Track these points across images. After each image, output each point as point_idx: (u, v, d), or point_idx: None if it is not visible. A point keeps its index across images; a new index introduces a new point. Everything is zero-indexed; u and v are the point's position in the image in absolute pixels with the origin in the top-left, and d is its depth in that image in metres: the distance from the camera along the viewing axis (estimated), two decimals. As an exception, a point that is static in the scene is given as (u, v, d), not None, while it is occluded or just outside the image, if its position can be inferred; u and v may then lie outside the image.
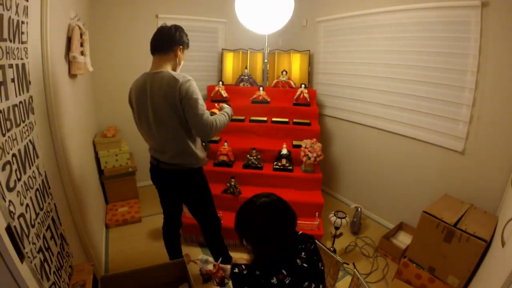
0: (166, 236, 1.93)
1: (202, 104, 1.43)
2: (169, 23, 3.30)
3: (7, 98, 0.85)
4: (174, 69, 1.55)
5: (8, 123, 0.85)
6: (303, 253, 1.08)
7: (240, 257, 1.89)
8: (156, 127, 1.48)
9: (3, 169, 0.79)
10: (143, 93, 1.46)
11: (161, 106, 1.42)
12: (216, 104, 1.80)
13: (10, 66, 0.88)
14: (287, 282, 0.98)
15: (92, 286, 1.24)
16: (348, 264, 1.99)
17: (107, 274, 1.53)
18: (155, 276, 1.63)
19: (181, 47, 1.55)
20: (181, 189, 1.66)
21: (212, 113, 1.58)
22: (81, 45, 1.88)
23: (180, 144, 1.50)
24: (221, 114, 1.58)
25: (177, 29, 1.56)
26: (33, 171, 1.02)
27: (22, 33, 1.01)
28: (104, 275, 1.51)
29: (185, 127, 1.47)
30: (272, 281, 0.98)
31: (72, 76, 1.85)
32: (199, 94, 1.43)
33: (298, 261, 1.04)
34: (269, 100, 2.95)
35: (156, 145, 1.56)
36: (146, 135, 1.58)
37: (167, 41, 1.50)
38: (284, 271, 1.00)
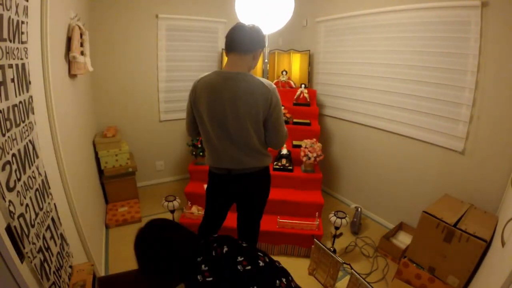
0: None
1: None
2: (169, 23, 3.30)
3: (7, 98, 0.85)
4: (249, 72, 1.46)
5: (8, 123, 0.85)
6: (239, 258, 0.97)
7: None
8: (235, 131, 1.39)
9: (3, 169, 0.79)
10: (220, 93, 1.36)
11: (246, 110, 1.35)
12: None
13: (10, 66, 0.88)
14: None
15: (92, 286, 1.24)
16: (348, 264, 1.99)
17: (104, 275, 1.52)
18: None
19: (261, 50, 1.44)
20: (252, 192, 1.60)
21: None
22: (81, 45, 1.88)
23: (257, 147, 1.46)
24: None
25: (260, 30, 1.42)
26: (33, 171, 1.02)
27: (22, 33, 1.01)
28: (100, 276, 1.51)
29: (260, 132, 1.44)
30: None
31: (72, 76, 1.85)
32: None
33: (239, 267, 0.93)
34: (269, 100, 2.95)
35: (230, 150, 1.45)
36: (215, 138, 1.45)
37: (251, 41, 1.39)
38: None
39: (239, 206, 1.70)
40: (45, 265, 0.99)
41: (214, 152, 1.51)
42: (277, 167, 2.53)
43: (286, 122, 2.79)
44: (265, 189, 1.64)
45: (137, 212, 2.70)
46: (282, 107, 1.42)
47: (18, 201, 0.86)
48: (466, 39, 1.92)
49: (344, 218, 2.17)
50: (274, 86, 1.39)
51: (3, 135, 0.81)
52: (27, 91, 1.04)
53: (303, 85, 2.94)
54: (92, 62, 2.14)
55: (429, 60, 2.15)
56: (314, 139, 2.54)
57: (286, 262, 2.16)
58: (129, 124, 3.08)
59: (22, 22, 1.01)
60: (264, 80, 1.38)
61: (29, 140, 1.02)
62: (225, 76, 1.37)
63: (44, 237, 1.03)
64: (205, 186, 1.73)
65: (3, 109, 0.82)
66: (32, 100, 1.08)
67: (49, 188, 1.18)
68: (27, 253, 0.85)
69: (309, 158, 2.44)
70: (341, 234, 2.30)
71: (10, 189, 0.81)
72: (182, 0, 3.03)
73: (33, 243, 0.92)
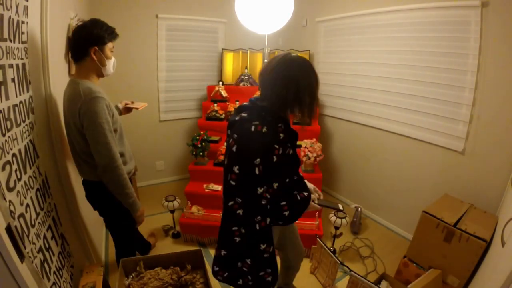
0: None
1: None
2: (169, 23, 3.29)
3: (7, 98, 0.85)
4: (100, 74, 1.37)
5: (8, 123, 0.85)
6: None
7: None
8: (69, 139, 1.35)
9: (3, 169, 0.79)
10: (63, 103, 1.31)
11: (67, 120, 1.29)
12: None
13: (10, 66, 0.88)
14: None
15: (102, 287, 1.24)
16: (346, 266, 2.00)
17: (127, 258, 1.57)
18: (171, 263, 1.64)
19: (95, 47, 1.27)
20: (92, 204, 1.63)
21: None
22: (81, 45, 1.87)
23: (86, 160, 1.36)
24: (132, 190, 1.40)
25: (86, 27, 1.27)
26: (34, 171, 1.02)
27: (22, 33, 1.01)
28: (124, 259, 1.55)
29: (82, 144, 1.30)
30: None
31: (72, 76, 1.85)
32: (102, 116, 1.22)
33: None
34: (269, 100, 2.95)
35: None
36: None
37: (78, 47, 1.29)
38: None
39: None
40: (45, 265, 0.99)
41: None
42: (277, 167, 2.52)
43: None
44: (102, 206, 1.49)
45: (137, 212, 2.70)
46: (108, 123, 1.25)
47: (18, 201, 0.86)
48: (466, 39, 1.92)
49: (344, 218, 2.17)
50: (94, 95, 1.21)
51: (4, 135, 0.81)
52: (27, 91, 1.04)
53: (303, 85, 2.94)
54: (92, 62, 2.13)
55: (429, 60, 2.15)
56: (314, 139, 2.54)
57: (286, 262, 2.15)
58: (128, 124, 3.07)
59: (22, 22, 1.01)
60: (86, 88, 1.23)
61: (30, 140, 1.02)
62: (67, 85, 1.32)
63: (45, 237, 1.03)
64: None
65: (3, 109, 0.82)
66: (32, 100, 1.08)
67: (49, 188, 1.18)
68: (28, 253, 0.85)
69: (309, 158, 2.44)
70: (341, 234, 2.30)
71: (10, 189, 0.81)
72: (182, 0, 3.03)
73: (33, 243, 0.92)
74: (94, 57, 1.28)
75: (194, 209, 2.34)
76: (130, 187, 1.38)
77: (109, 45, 1.33)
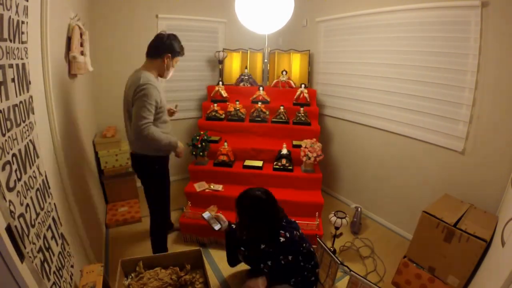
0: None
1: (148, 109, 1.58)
2: (169, 23, 3.30)
3: (7, 98, 0.85)
4: (161, 75, 1.77)
5: (8, 123, 0.85)
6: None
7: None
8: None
9: (3, 169, 0.79)
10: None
11: (126, 97, 1.68)
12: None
13: (10, 66, 0.88)
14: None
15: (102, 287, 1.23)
16: (346, 266, 1.99)
17: (127, 258, 1.62)
18: (171, 263, 1.65)
19: (169, 54, 1.71)
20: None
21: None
22: (81, 45, 1.88)
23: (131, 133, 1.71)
24: (165, 136, 1.71)
25: (170, 37, 1.71)
26: (34, 171, 1.02)
27: (22, 33, 1.01)
28: (124, 259, 1.59)
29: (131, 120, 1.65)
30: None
31: (72, 76, 1.85)
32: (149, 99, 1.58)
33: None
34: (269, 100, 2.95)
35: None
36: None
37: (156, 48, 1.70)
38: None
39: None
40: (45, 265, 0.99)
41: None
42: (277, 167, 2.53)
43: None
44: (143, 174, 1.87)
45: (137, 212, 2.70)
46: (150, 104, 1.59)
47: (18, 201, 0.86)
48: (466, 39, 1.92)
49: (344, 218, 2.17)
50: (149, 83, 1.60)
51: (4, 135, 0.81)
52: (27, 91, 1.04)
53: (303, 85, 2.94)
54: (92, 62, 2.14)
55: (429, 60, 2.15)
56: (314, 139, 2.54)
57: (286, 262, 2.15)
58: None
59: (22, 22, 1.01)
60: (144, 77, 1.62)
61: (30, 140, 1.02)
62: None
63: (45, 237, 1.03)
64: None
65: (3, 109, 0.82)
66: (32, 100, 1.08)
67: (49, 188, 1.18)
68: (28, 253, 0.85)
69: (309, 158, 2.44)
70: (341, 234, 2.30)
71: (10, 189, 0.81)
72: (182, 0, 3.03)
73: (33, 243, 0.92)
74: (165, 61, 1.71)
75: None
76: (162, 137, 1.66)
77: (177, 58, 1.77)
